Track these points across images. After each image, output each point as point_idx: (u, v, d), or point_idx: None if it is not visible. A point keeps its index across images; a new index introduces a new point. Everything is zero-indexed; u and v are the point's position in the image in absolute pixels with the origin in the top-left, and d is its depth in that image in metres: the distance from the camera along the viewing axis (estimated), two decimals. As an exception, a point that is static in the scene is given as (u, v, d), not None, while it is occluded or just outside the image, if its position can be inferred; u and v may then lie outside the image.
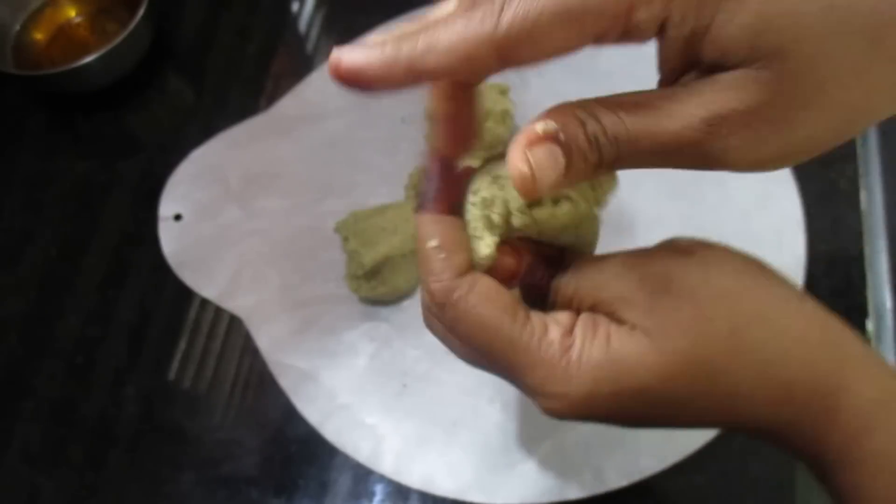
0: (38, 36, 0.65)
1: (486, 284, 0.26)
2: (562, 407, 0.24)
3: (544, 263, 0.28)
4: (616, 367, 0.24)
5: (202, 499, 0.47)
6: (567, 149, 0.22)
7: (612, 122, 0.22)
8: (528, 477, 0.45)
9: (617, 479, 0.44)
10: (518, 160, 0.22)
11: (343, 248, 0.51)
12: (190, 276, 0.54)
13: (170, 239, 0.55)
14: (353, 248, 0.49)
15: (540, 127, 0.22)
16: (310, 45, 0.64)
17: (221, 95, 0.62)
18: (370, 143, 0.58)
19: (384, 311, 0.51)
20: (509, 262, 0.27)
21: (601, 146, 0.22)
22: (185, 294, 0.53)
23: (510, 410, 0.47)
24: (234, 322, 0.52)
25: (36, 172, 0.61)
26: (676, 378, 0.23)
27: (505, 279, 0.27)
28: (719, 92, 0.21)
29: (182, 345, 0.52)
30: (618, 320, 0.25)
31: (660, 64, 0.23)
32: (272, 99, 0.61)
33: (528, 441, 0.46)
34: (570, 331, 0.25)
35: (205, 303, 0.53)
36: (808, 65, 0.20)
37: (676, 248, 0.26)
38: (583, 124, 0.22)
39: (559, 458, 0.45)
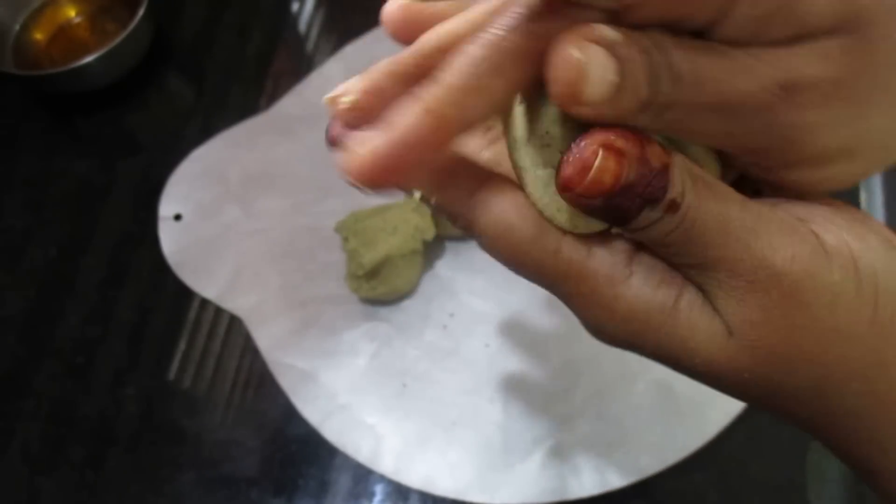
0: (38, 36, 0.65)
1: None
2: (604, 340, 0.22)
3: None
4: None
5: (202, 499, 0.47)
6: (621, 67, 0.18)
7: (680, 58, 0.18)
8: (528, 477, 0.45)
9: (617, 479, 0.44)
10: (570, 46, 0.17)
11: (343, 248, 0.51)
12: (190, 276, 0.54)
13: (170, 239, 0.55)
14: (353, 248, 0.49)
15: (597, 30, 0.18)
16: (310, 45, 0.64)
17: (221, 95, 0.62)
18: (370, 143, 0.57)
19: (384, 311, 0.51)
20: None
21: (659, 80, 0.18)
22: (185, 294, 0.53)
23: (510, 410, 0.47)
24: (234, 322, 0.52)
25: (36, 172, 0.61)
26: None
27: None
28: (801, 56, 0.19)
29: (182, 345, 0.52)
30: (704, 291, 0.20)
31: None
32: (272, 99, 0.61)
33: (528, 441, 0.46)
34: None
35: (205, 303, 0.53)
36: (893, 40, 0.18)
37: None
38: (645, 51, 0.18)
39: (559, 458, 0.45)
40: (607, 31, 0.18)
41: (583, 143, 0.18)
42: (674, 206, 0.19)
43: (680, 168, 0.19)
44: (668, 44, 0.18)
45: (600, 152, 0.18)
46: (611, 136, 0.18)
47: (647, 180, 0.19)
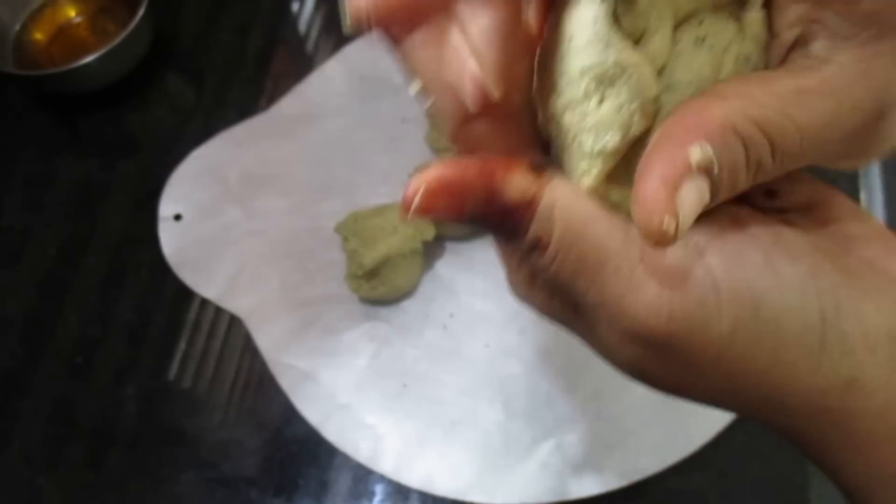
0: (39, 36, 0.65)
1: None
2: None
3: None
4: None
5: (202, 499, 0.47)
6: (716, 183, 0.17)
7: (781, 131, 0.17)
8: (528, 477, 0.45)
9: (617, 479, 0.44)
10: (662, 205, 0.16)
11: (343, 248, 0.51)
12: (190, 276, 0.54)
13: (170, 239, 0.55)
14: (353, 248, 0.49)
15: (695, 155, 0.17)
16: (310, 45, 0.64)
17: (221, 95, 0.62)
18: (370, 143, 0.58)
19: (384, 311, 0.51)
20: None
21: (762, 168, 0.17)
22: (185, 294, 0.53)
23: (510, 410, 0.47)
24: (234, 322, 0.52)
25: (36, 172, 0.61)
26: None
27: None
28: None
29: (182, 345, 0.52)
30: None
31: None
32: (272, 99, 0.61)
33: (529, 441, 0.46)
34: None
35: (205, 303, 0.53)
36: None
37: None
38: (745, 146, 0.17)
39: (559, 458, 0.45)
40: (703, 153, 0.17)
41: (410, 182, 0.18)
42: (537, 244, 0.19)
43: (546, 211, 0.19)
44: (764, 113, 0.17)
45: (418, 195, 0.18)
46: (431, 180, 0.18)
47: (496, 215, 0.19)
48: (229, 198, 0.57)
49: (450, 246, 0.53)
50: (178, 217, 0.56)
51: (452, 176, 0.18)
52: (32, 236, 0.58)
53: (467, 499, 0.45)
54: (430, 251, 0.52)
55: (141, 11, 0.59)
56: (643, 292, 0.19)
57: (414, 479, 0.46)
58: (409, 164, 0.54)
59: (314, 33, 0.65)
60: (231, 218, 0.56)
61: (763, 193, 0.21)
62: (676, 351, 0.19)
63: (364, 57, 0.61)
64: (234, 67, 0.63)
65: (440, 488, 0.45)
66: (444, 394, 0.48)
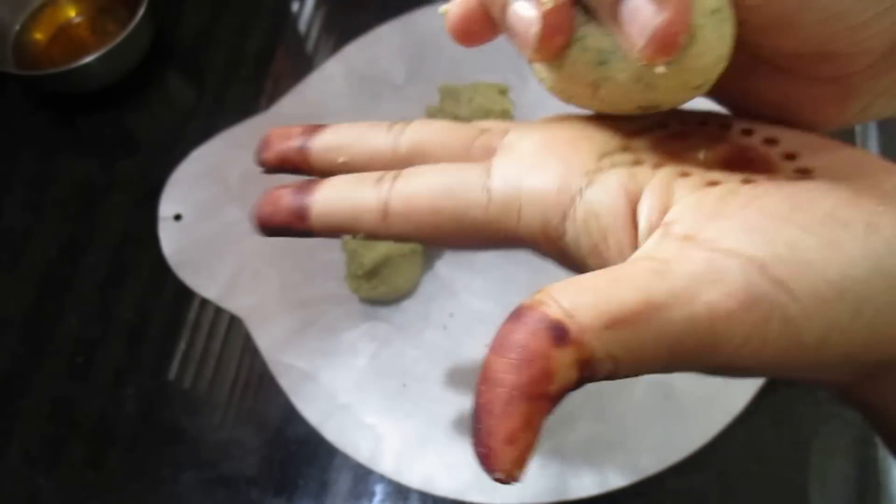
0: (39, 36, 0.65)
1: None
2: None
3: None
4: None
5: (202, 499, 0.47)
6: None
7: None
8: (529, 477, 0.45)
9: (617, 479, 0.44)
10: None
11: (343, 248, 0.51)
12: (190, 276, 0.54)
13: (170, 239, 0.55)
14: (353, 248, 0.49)
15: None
16: (310, 45, 0.64)
17: (222, 95, 0.62)
18: (370, 143, 0.57)
19: (384, 311, 0.51)
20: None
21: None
22: (184, 294, 0.53)
23: (510, 410, 0.47)
24: (234, 322, 0.52)
25: (36, 172, 0.61)
26: None
27: None
28: None
29: (182, 345, 0.52)
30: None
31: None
32: (272, 99, 0.61)
33: (528, 441, 0.46)
34: None
35: (205, 303, 0.53)
36: None
37: None
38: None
39: (559, 458, 0.45)
40: None
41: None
42: None
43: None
44: None
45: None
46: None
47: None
48: (229, 198, 0.57)
49: (450, 246, 0.53)
50: (178, 217, 0.56)
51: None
52: (32, 236, 0.58)
53: (467, 499, 0.45)
54: (430, 251, 0.52)
55: (141, 11, 0.59)
56: (731, 342, 0.18)
57: (414, 478, 0.46)
58: (409, 164, 0.54)
59: (314, 33, 0.65)
60: (231, 218, 0.56)
61: (782, 155, 0.21)
62: (780, 365, 0.18)
63: (364, 57, 0.61)
64: (234, 67, 0.63)
65: (440, 488, 0.45)
66: (444, 394, 0.48)
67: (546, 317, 0.17)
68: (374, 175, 0.25)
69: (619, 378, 0.19)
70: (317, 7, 0.66)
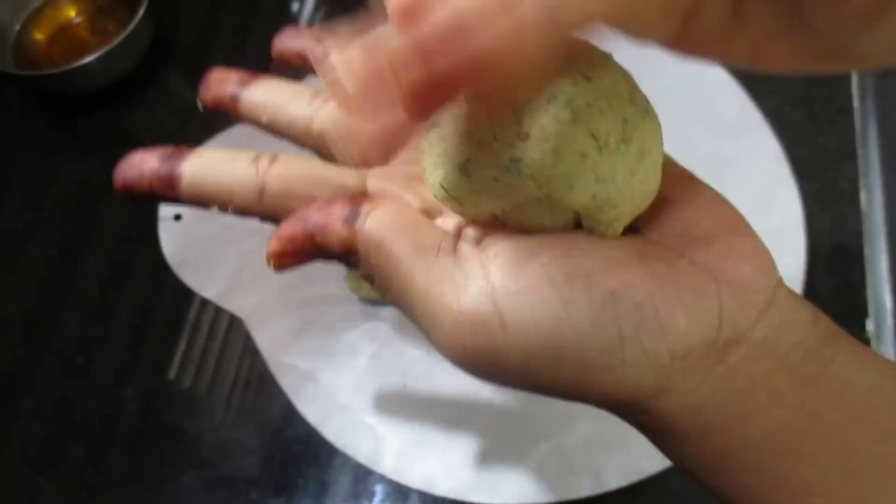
0: (39, 36, 0.65)
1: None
2: None
3: None
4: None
5: (202, 499, 0.47)
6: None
7: None
8: (528, 477, 0.45)
9: (617, 479, 0.44)
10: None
11: (343, 248, 0.51)
12: (190, 276, 0.54)
13: (170, 239, 0.55)
14: (353, 248, 0.49)
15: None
16: (310, 45, 0.64)
17: (221, 95, 0.62)
18: (370, 143, 0.58)
19: (384, 311, 0.51)
20: None
21: None
22: (184, 294, 0.53)
23: (510, 410, 0.47)
24: (234, 322, 0.52)
25: (36, 172, 0.61)
26: None
27: None
28: None
29: (182, 345, 0.52)
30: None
31: None
32: (272, 99, 0.61)
33: (528, 441, 0.46)
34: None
35: (205, 303, 0.53)
36: None
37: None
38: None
39: (559, 458, 0.45)
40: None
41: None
42: (370, 280, 0.24)
43: (363, 258, 0.23)
44: None
45: (271, 260, 0.25)
46: (273, 247, 0.25)
47: (335, 258, 0.24)
48: (229, 198, 0.57)
49: (450, 246, 0.53)
50: (178, 217, 0.56)
51: (288, 245, 0.24)
52: (32, 236, 0.58)
53: (467, 499, 0.45)
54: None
55: (141, 11, 0.59)
56: (441, 330, 0.21)
57: (414, 479, 0.46)
58: (409, 164, 0.54)
59: (314, 33, 0.65)
60: (231, 218, 0.56)
61: None
62: (482, 372, 0.21)
63: (364, 57, 0.61)
64: (234, 67, 0.63)
65: (440, 488, 0.45)
66: (444, 394, 0.48)
67: (357, 206, 0.23)
68: (249, 154, 0.28)
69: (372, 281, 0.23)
70: (317, 7, 0.66)
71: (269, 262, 0.24)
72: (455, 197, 0.21)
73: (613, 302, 0.20)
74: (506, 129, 0.19)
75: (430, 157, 0.21)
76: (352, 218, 0.22)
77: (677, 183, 0.22)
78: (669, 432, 0.22)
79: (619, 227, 0.21)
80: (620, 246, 0.21)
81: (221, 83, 0.30)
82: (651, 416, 0.21)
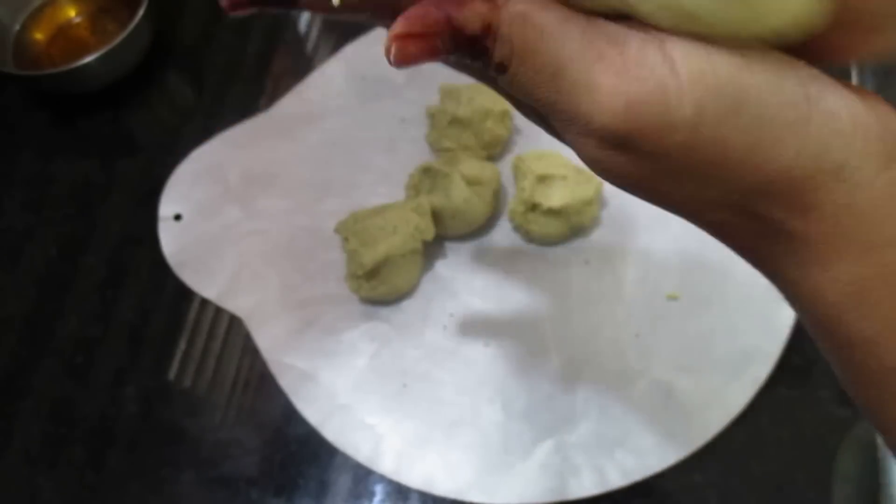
0: (38, 36, 0.65)
1: None
2: None
3: None
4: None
5: (202, 499, 0.47)
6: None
7: None
8: (528, 477, 0.45)
9: (617, 479, 0.44)
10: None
11: (343, 248, 0.51)
12: (190, 276, 0.54)
13: (170, 239, 0.55)
14: (353, 248, 0.49)
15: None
16: (310, 45, 0.64)
17: (221, 95, 0.62)
18: (370, 143, 0.58)
19: (384, 311, 0.51)
20: None
21: None
22: (184, 294, 0.53)
23: (510, 410, 0.47)
24: (234, 322, 0.52)
25: (36, 172, 0.61)
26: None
27: None
28: None
29: (182, 345, 0.52)
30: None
31: None
32: (272, 99, 0.61)
33: (528, 441, 0.46)
34: None
35: (205, 303, 0.53)
36: None
37: None
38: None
39: (559, 458, 0.45)
40: None
41: (389, 32, 0.20)
42: (501, 68, 0.20)
43: (504, 33, 0.20)
44: None
45: (393, 45, 0.20)
46: (400, 28, 0.20)
47: (466, 46, 0.20)
48: (229, 198, 0.57)
49: (450, 246, 0.53)
50: (177, 217, 0.56)
51: (417, 23, 0.20)
52: (32, 236, 0.58)
53: (467, 499, 0.45)
54: (430, 251, 0.52)
55: (141, 11, 0.59)
56: (598, 90, 0.18)
57: (414, 478, 0.46)
58: (409, 164, 0.54)
59: (314, 33, 0.65)
60: (231, 218, 0.56)
61: None
62: (642, 144, 0.19)
63: (364, 57, 0.61)
64: (234, 68, 0.63)
65: (440, 488, 0.45)
66: (443, 394, 0.48)
67: None
68: None
69: (508, 73, 0.20)
70: (317, 7, 0.66)
71: (388, 52, 0.20)
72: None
73: (797, 65, 0.18)
74: None
75: None
76: None
77: None
78: (832, 239, 0.19)
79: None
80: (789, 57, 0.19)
81: None
82: (820, 211, 0.19)
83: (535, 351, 0.49)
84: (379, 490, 0.46)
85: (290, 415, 0.48)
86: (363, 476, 0.47)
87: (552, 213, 0.50)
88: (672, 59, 0.18)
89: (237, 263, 0.54)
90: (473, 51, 0.20)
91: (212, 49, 0.65)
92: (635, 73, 0.18)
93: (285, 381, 0.49)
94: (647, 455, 0.45)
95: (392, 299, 0.51)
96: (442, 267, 0.53)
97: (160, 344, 0.52)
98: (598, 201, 0.51)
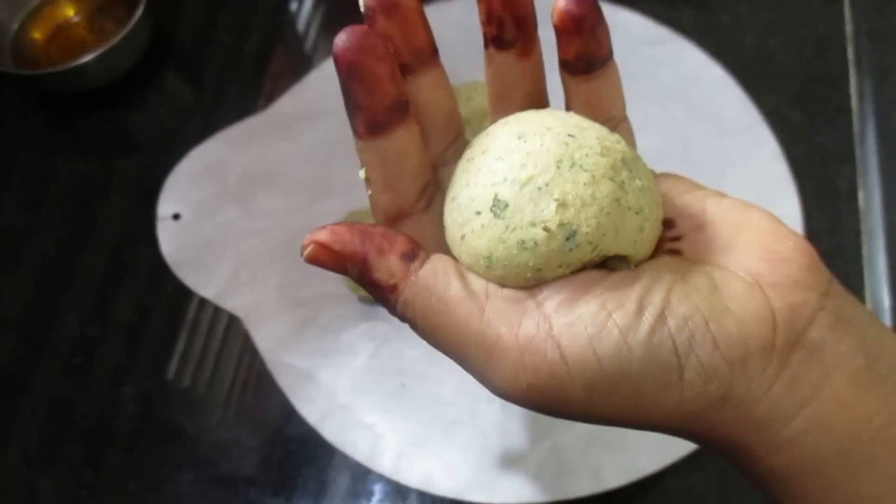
0: (37, 35, 0.65)
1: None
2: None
3: None
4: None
5: (201, 498, 0.47)
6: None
7: None
8: (527, 477, 0.45)
9: (616, 479, 0.44)
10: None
11: (342, 247, 0.51)
12: (189, 276, 0.54)
13: (168, 238, 0.55)
14: (351, 247, 0.49)
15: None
16: (308, 45, 0.64)
17: (220, 95, 0.62)
18: (369, 143, 0.57)
19: (383, 311, 0.51)
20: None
21: None
22: (183, 293, 0.53)
23: (509, 410, 0.47)
24: (233, 321, 0.52)
25: (35, 172, 0.61)
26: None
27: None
28: None
29: (181, 344, 0.52)
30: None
31: None
32: (271, 98, 0.61)
33: (527, 441, 0.46)
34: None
35: (203, 302, 0.53)
36: None
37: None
38: None
39: (558, 457, 0.45)
40: None
41: (310, 233, 0.23)
42: (403, 320, 0.23)
43: (409, 299, 0.22)
44: None
45: (308, 249, 0.22)
46: (321, 237, 0.22)
47: (371, 288, 0.23)
48: (228, 197, 0.57)
49: (449, 245, 0.53)
50: (176, 216, 0.56)
51: (336, 244, 0.22)
52: (31, 236, 0.58)
53: (466, 498, 0.45)
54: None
55: (140, 11, 0.59)
56: (501, 372, 0.21)
57: (412, 478, 0.46)
58: (408, 163, 0.54)
59: (313, 33, 0.65)
60: (230, 217, 0.56)
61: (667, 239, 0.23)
62: (546, 408, 0.22)
63: (363, 56, 0.61)
64: (233, 67, 0.63)
65: (439, 488, 0.45)
66: (442, 393, 0.48)
67: (417, 248, 0.23)
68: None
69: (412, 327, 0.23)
70: (315, 6, 0.66)
71: (304, 248, 0.22)
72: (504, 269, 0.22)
73: (665, 321, 0.20)
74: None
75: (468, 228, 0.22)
76: (411, 257, 0.22)
77: (699, 200, 0.23)
78: (739, 449, 0.22)
79: (646, 255, 0.22)
80: (664, 266, 0.22)
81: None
82: (719, 434, 0.21)
83: (533, 350, 0.49)
84: (378, 489, 0.46)
85: (289, 414, 0.48)
86: (362, 475, 0.47)
87: None
88: (561, 348, 0.20)
89: (236, 263, 0.54)
90: (378, 295, 0.23)
91: (210, 48, 0.65)
92: (530, 361, 0.21)
93: (284, 381, 0.50)
94: (646, 455, 0.45)
95: (391, 299, 0.51)
96: (441, 266, 0.52)
97: (159, 343, 0.52)
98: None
